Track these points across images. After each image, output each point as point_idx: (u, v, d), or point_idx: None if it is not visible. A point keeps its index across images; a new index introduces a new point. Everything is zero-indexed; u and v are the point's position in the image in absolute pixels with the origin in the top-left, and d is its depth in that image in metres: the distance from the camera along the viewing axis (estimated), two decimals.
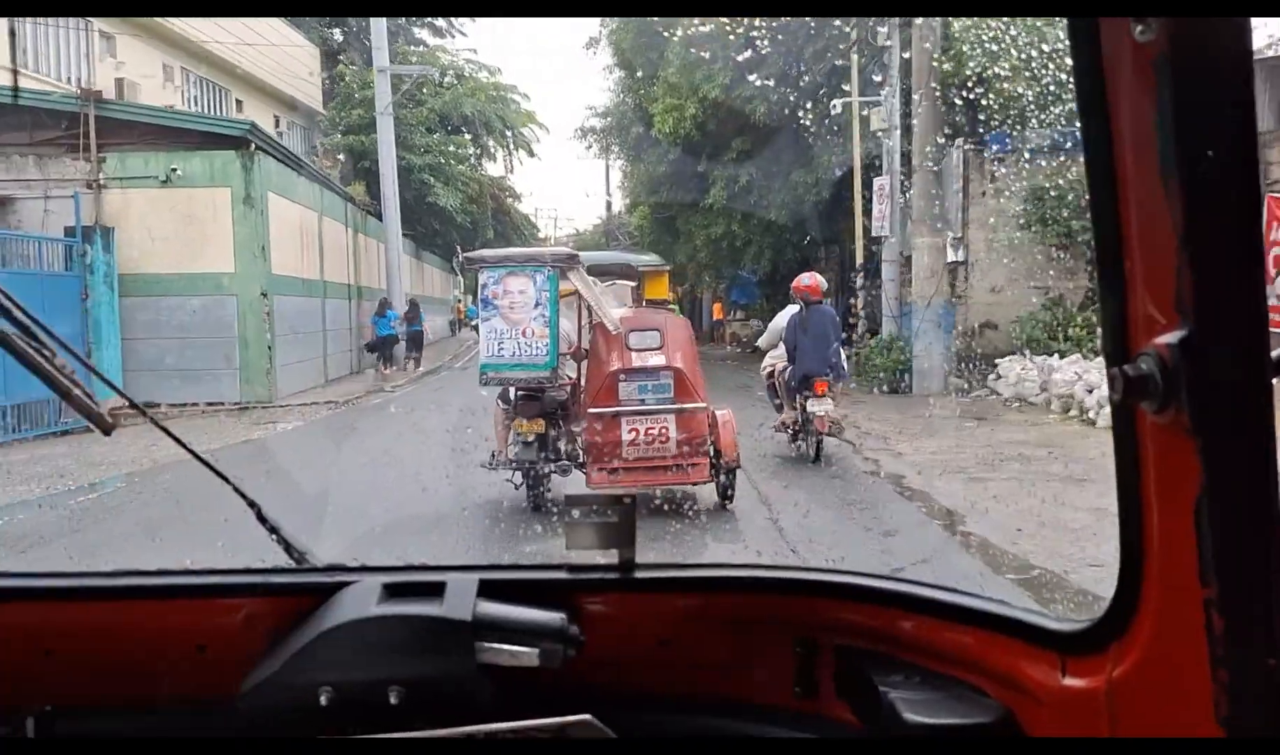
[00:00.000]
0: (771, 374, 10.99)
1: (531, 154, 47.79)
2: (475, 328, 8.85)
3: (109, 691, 1.43)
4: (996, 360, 15.45)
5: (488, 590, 1.34)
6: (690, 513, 7.91)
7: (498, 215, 48.30)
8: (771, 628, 1.42)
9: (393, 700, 1.28)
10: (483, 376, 7.70)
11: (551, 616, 1.33)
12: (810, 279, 10.61)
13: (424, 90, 37.41)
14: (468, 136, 38.56)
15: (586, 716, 1.30)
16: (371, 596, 1.33)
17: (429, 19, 43.31)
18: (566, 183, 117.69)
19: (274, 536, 1.58)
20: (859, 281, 20.21)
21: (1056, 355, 14.40)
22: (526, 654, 1.30)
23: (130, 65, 21.51)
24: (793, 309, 10.57)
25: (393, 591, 1.35)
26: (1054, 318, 15.34)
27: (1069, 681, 1.07)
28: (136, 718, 1.43)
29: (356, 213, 25.15)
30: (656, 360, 7.57)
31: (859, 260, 19.78)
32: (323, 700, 1.28)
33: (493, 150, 45.61)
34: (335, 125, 34.56)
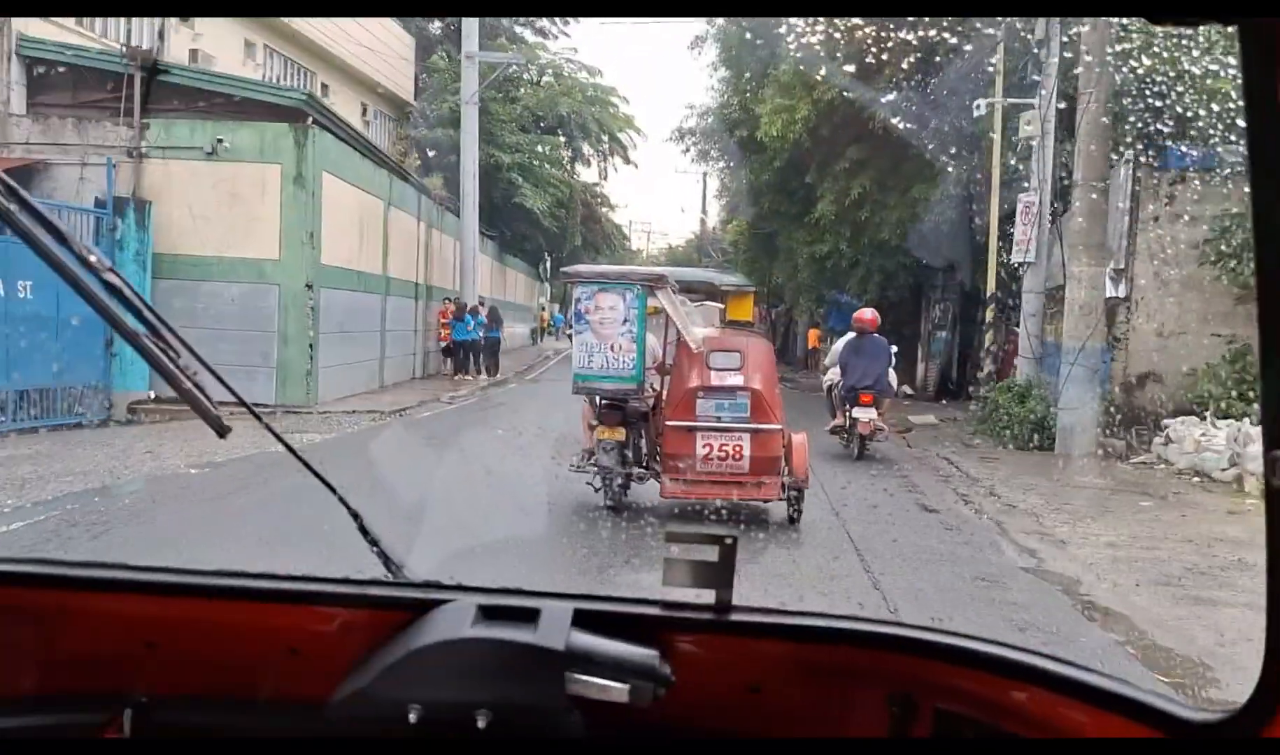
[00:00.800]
0: (830, 388, 13.26)
1: (627, 161, 45.91)
2: (570, 337, 8.92)
3: (204, 686, 1.45)
4: (1165, 420, 12.69)
5: (582, 620, 1.32)
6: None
7: (588, 223, 46.49)
8: (869, 683, 1.36)
9: (480, 724, 1.27)
10: (575, 386, 8.32)
11: (644, 653, 1.29)
12: (870, 313, 13.01)
13: (519, 88, 35.87)
14: (561, 138, 36.76)
15: None
16: (466, 617, 1.32)
17: (530, 19, 41.71)
18: (662, 196, 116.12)
19: (374, 549, 1.57)
20: (987, 315, 17.51)
21: (1246, 420, 11.61)
22: (616, 689, 1.26)
23: (209, 38, 20.16)
24: (851, 336, 12.79)
25: (487, 613, 1.33)
26: (1239, 372, 12.52)
27: None
28: (229, 714, 1.43)
29: (432, 206, 23.40)
30: (735, 380, 7.82)
31: (989, 289, 17.07)
32: (411, 717, 1.27)
33: (587, 155, 43.89)
34: (425, 118, 33.13)
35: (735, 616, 1.35)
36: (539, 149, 33.93)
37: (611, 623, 1.34)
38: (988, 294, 16.92)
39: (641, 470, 8.27)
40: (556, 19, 41.62)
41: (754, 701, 1.39)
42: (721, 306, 10.20)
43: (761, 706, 1.39)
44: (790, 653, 1.39)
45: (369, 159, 18.08)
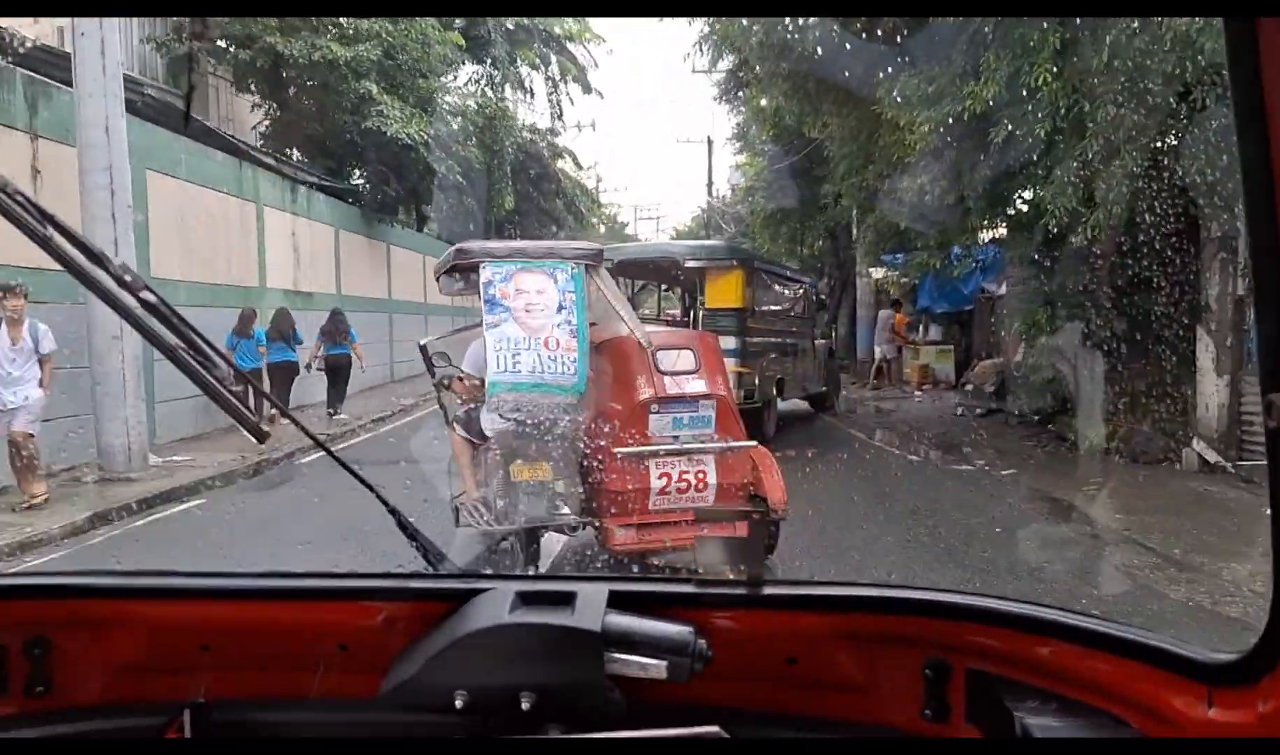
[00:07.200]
0: None
1: (588, 89, 32.05)
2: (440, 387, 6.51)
3: (258, 686, 1.49)
4: None
5: (617, 601, 1.35)
6: None
7: (540, 183, 32.63)
8: (902, 649, 1.38)
9: (524, 706, 1.30)
10: (493, 401, 5.69)
11: (680, 630, 1.32)
12: None
13: None
14: (457, 34, 22.76)
15: (714, 728, 1.32)
16: (505, 604, 1.35)
17: None
18: (664, 177, 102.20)
19: (413, 543, 1.68)
20: None
21: None
22: (655, 666, 1.29)
23: None
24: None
25: (525, 599, 1.36)
26: None
27: (1215, 714, 1.03)
28: (283, 711, 1.47)
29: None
30: (695, 386, 5.98)
31: None
32: (458, 703, 1.31)
33: (525, 79, 30.07)
34: None
35: (768, 590, 1.39)
36: (410, 40, 20.00)
37: (646, 602, 1.36)
38: None
39: (573, 517, 5.90)
40: None
41: (792, 673, 1.41)
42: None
43: (800, 678, 1.41)
44: (825, 624, 1.40)
45: None
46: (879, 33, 10.22)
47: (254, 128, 20.44)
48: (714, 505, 5.59)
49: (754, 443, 6.13)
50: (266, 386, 13.69)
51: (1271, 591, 0.93)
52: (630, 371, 5.97)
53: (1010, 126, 8.57)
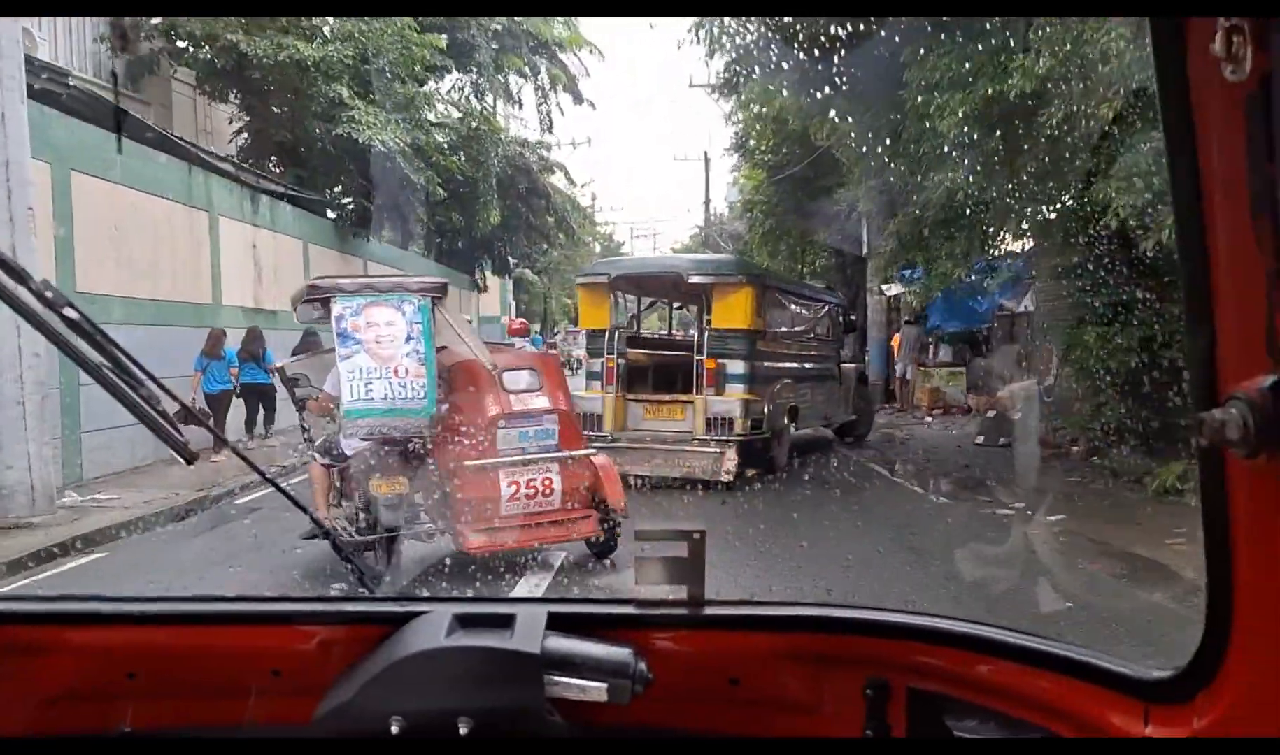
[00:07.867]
0: None
1: (579, 100, 30.76)
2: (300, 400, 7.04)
3: (187, 714, 1.44)
4: None
5: (557, 623, 1.33)
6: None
7: (529, 198, 31.31)
8: (843, 668, 1.37)
9: (462, 731, 1.26)
10: (347, 426, 6.26)
11: (620, 652, 1.30)
12: (519, 323, 13.36)
13: None
14: (442, 38, 21.45)
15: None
16: (442, 627, 1.32)
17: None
18: (661, 195, 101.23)
19: (348, 566, 1.69)
20: None
21: None
22: (595, 689, 1.27)
23: None
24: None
25: (463, 622, 1.33)
26: None
27: (1152, 730, 1.03)
28: (213, 740, 1.42)
29: None
30: (540, 403, 6.73)
31: None
32: (394, 729, 1.27)
33: (514, 90, 28.77)
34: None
35: (710, 610, 1.36)
36: (386, 40, 18.66)
37: (586, 624, 1.34)
38: None
39: (429, 526, 6.55)
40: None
41: (733, 694, 1.39)
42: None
43: (741, 698, 1.39)
44: (766, 643, 1.38)
45: None
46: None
47: (231, 140, 19.12)
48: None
49: (590, 450, 6.77)
50: (240, 409, 12.61)
51: (1205, 608, 0.91)
52: (479, 392, 6.54)
53: (1066, 107, 7.21)
